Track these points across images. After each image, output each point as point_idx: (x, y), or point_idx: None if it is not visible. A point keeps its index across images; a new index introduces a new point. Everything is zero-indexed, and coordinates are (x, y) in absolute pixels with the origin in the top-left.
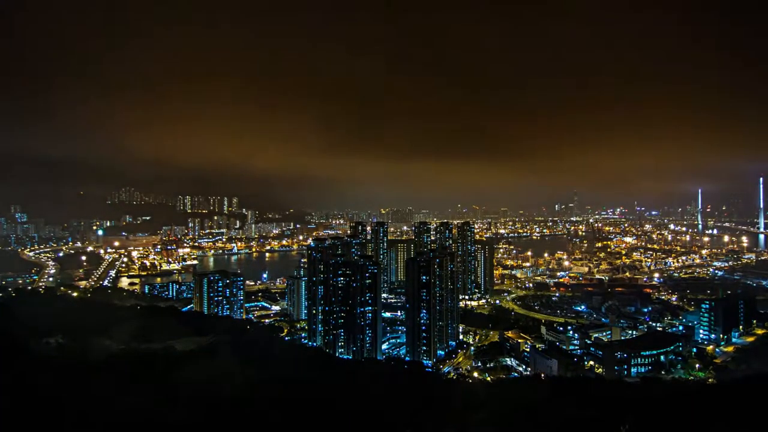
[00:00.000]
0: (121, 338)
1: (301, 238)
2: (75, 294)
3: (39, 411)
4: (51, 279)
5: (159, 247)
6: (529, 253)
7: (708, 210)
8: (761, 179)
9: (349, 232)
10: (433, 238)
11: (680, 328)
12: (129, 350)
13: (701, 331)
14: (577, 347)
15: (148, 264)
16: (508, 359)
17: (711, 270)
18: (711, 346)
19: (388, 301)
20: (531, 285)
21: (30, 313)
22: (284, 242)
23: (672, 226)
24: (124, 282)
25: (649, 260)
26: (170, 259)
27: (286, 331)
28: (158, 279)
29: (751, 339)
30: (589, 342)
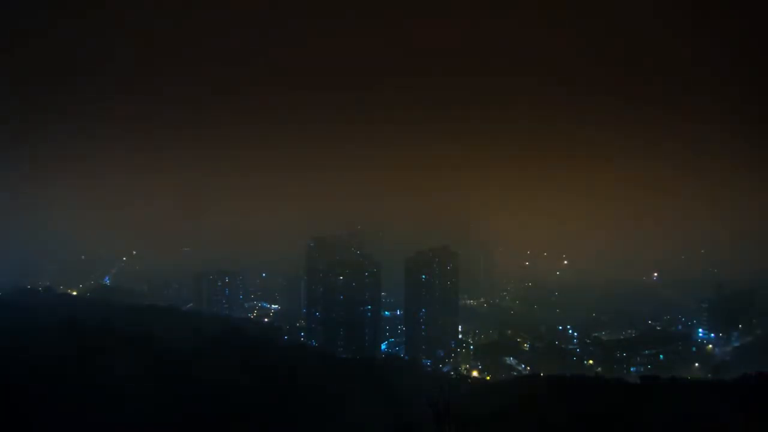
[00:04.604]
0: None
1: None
2: (74, 293)
3: None
4: (50, 278)
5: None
6: (528, 252)
7: None
8: None
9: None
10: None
11: (679, 327)
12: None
13: (700, 330)
14: (576, 346)
15: (147, 263)
16: (507, 358)
17: (710, 268)
18: (710, 346)
19: (388, 299)
20: (530, 284)
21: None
22: None
23: None
24: (125, 281)
25: (648, 257)
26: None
27: (285, 330)
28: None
29: (751, 338)
30: (588, 341)
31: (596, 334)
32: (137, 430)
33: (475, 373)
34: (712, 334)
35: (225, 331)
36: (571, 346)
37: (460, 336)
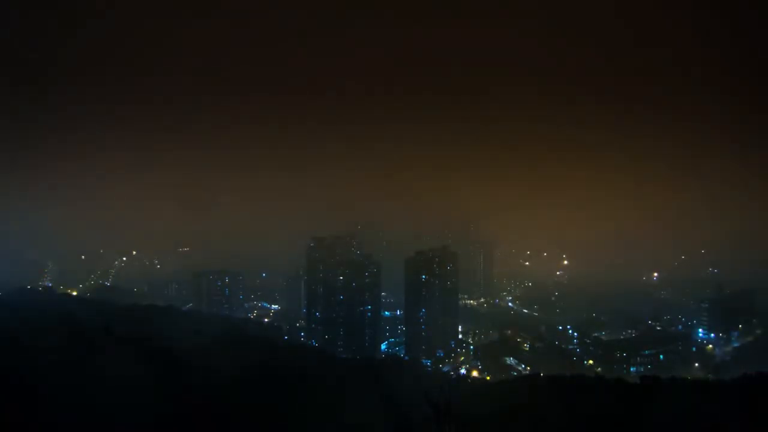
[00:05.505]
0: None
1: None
2: (74, 293)
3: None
4: (50, 278)
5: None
6: (528, 252)
7: None
8: None
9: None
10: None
11: (679, 327)
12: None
13: (700, 330)
14: (576, 346)
15: (147, 263)
16: (507, 358)
17: (710, 268)
18: (710, 346)
19: (388, 299)
20: (530, 284)
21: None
22: None
23: None
24: (125, 281)
25: (648, 258)
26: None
27: (285, 330)
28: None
29: (751, 338)
30: (588, 341)
31: (596, 334)
32: (136, 430)
33: (475, 373)
34: (712, 334)
35: (225, 331)
36: (571, 346)
37: (460, 336)
